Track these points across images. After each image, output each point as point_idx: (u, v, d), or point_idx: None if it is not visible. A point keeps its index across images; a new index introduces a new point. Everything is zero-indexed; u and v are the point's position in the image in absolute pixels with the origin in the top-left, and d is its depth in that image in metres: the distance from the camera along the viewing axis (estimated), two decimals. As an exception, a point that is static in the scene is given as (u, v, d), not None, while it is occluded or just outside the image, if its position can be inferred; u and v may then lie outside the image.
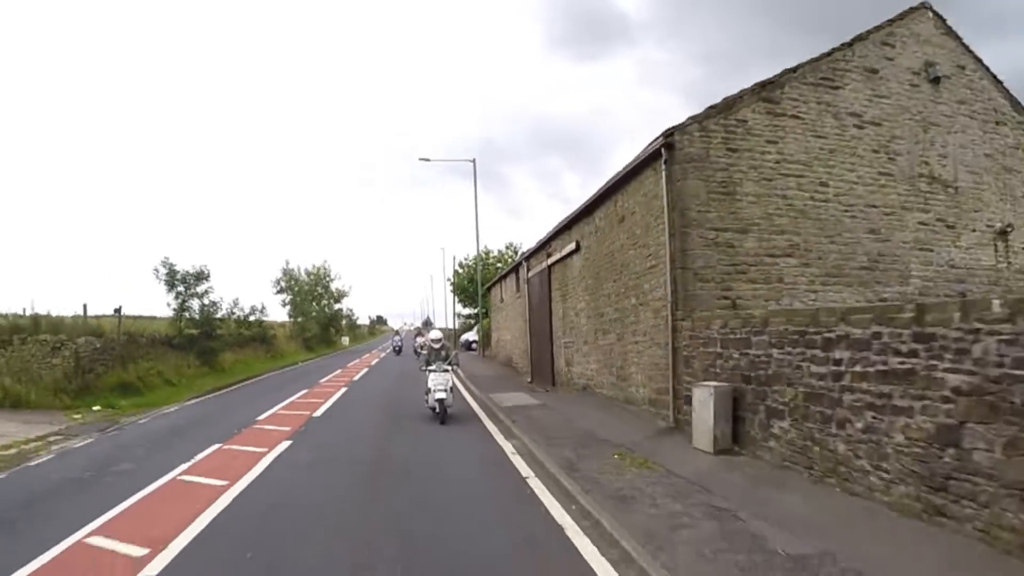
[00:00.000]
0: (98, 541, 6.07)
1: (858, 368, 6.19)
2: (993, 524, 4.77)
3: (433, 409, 13.37)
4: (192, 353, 24.33)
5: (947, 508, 5.16)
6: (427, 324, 50.52)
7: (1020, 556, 4.56)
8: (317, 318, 47.45)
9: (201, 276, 25.70)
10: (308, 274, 48.80)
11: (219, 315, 26.74)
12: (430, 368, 13.75)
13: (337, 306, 51.77)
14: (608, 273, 13.93)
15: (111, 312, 22.21)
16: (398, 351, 39.49)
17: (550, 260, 18.60)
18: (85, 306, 24.54)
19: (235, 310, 28.71)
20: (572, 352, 16.72)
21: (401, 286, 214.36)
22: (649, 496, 6.39)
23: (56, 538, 6.03)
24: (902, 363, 5.66)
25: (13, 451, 11.06)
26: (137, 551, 5.61)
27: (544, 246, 19.39)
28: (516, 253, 41.74)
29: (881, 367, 5.92)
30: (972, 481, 4.93)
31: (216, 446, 10.55)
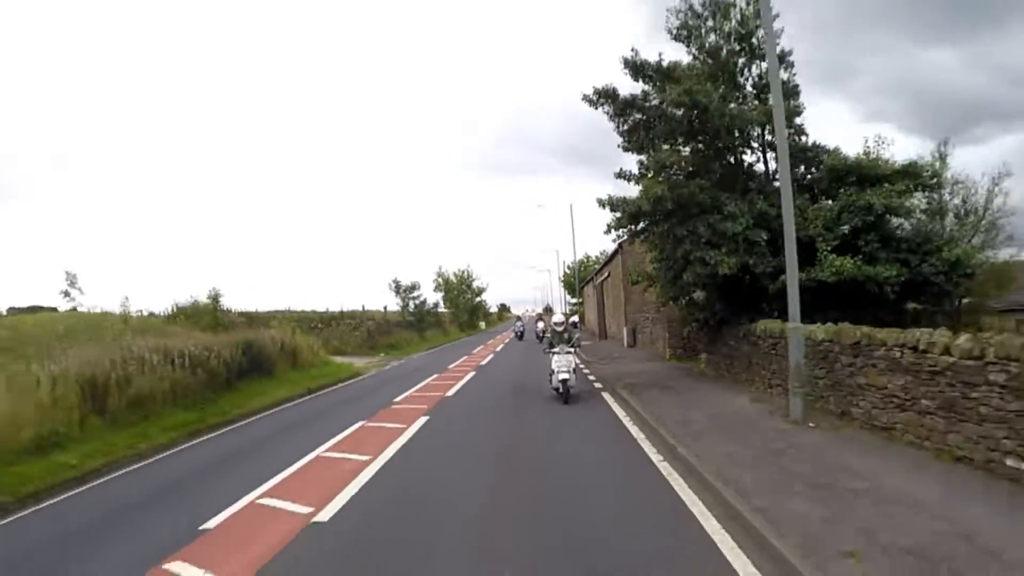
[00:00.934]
0: (400, 404, 14.94)
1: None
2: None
3: (556, 390, 13.84)
4: (414, 330, 44.28)
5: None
6: (548, 310, 56.66)
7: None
8: (464, 308, 65.08)
9: (414, 287, 47.19)
10: (455, 276, 65.61)
11: (425, 308, 50.24)
12: (553, 351, 14.19)
13: (477, 299, 69.13)
14: (612, 291, 32.20)
15: (360, 308, 46.76)
16: (520, 336, 42.46)
17: (598, 281, 39.31)
18: (363, 305, 49.91)
19: (426, 306, 51.26)
20: (610, 321, 35.09)
21: (523, 275, 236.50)
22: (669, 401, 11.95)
23: (390, 397, 15.85)
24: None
25: (361, 366, 28.03)
26: (420, 406, 14.44)
27: (599, 273, 39.52)
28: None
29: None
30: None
31: (435, 375, 22.15)
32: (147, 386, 13.40)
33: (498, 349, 33.97)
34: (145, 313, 28.01)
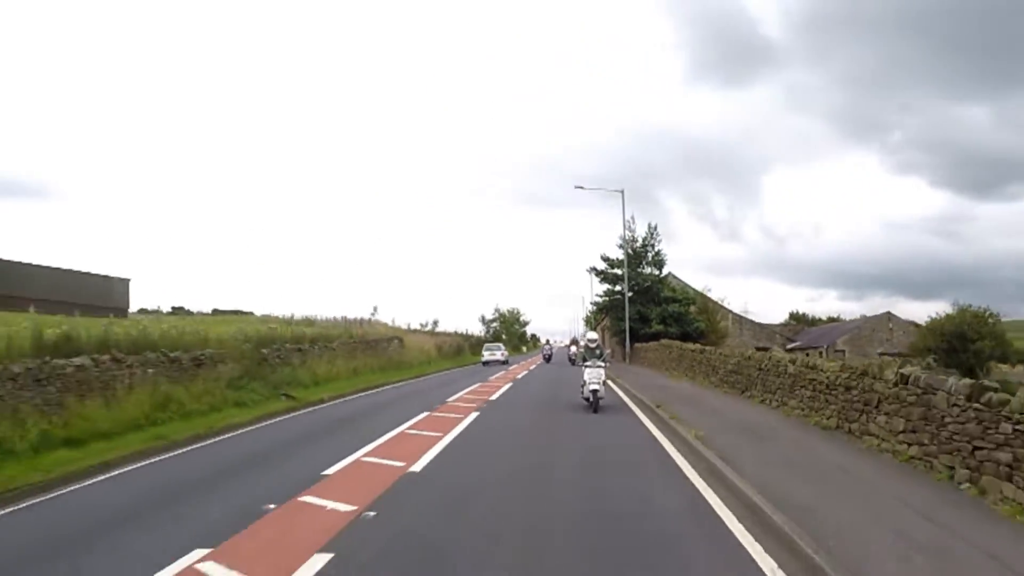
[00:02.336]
0: (477, 387, 21.01)
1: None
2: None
3: (587, 399, 14.07)
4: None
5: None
6: (574, 342, 68.08)
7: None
8: (514, 335, 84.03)
9: (515, 312, 68.86)
10: (508, 312, 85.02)
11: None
12: (586, 364, 14.45)
13: (522, 330, 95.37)
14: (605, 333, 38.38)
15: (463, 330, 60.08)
16: (548, 359, 44.37)
17: (599, 326, 44.59)
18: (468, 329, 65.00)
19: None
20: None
21: (552, 309, 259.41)
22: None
23: (458, 390, 19.87)
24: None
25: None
26: (499, 385, 22.93)
27: (598, 323, 46.37)
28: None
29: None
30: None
31: (499, 374, 28.69)
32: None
33: (532, 367, 37.62)
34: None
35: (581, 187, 38.59)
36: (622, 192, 36.93)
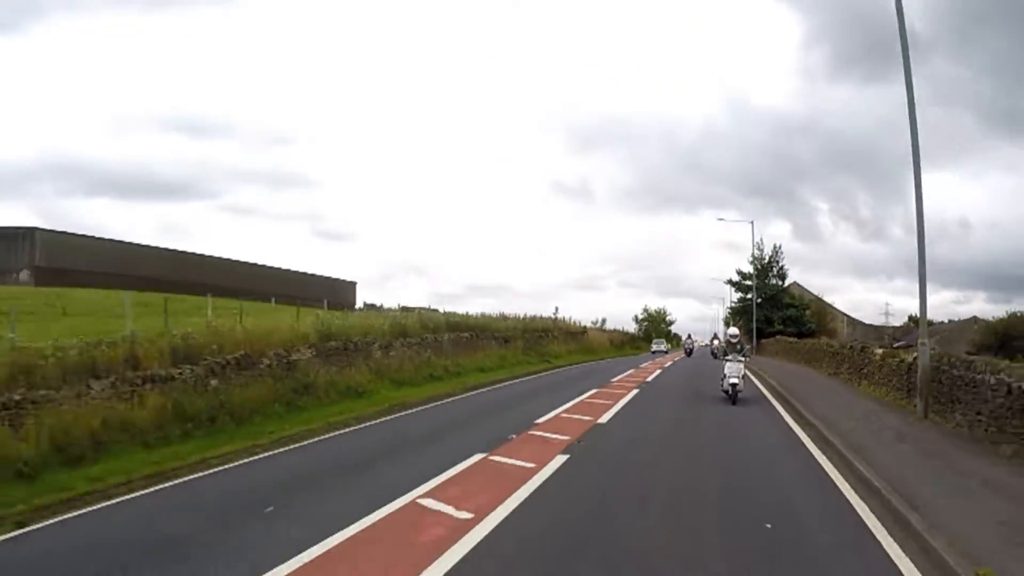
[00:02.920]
0: (634, 372, 24.77)
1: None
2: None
3: (726, 392, 14.22)
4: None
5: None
6: (715, 337, 61.27)
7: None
8: (660, 333, 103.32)
9: (662, 312, 76.82)
10: (656, 312, 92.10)
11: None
12: (727, 358, 14.78)
13: (667, 328, 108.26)
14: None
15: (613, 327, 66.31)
16: (689, 353, 45.75)
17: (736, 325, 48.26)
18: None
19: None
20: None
21: (692, 306, 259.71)
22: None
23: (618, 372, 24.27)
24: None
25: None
26: (653, 369, 26.63)
27: (735, 324, 48.67)
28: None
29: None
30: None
31: (649, 362, 32.69)
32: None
33: (676, 358, 40.57)
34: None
35: (722, 219, 49.91)
36: (752, 223, 47.00)
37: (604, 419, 11.90)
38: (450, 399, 15.74)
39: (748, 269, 49.40)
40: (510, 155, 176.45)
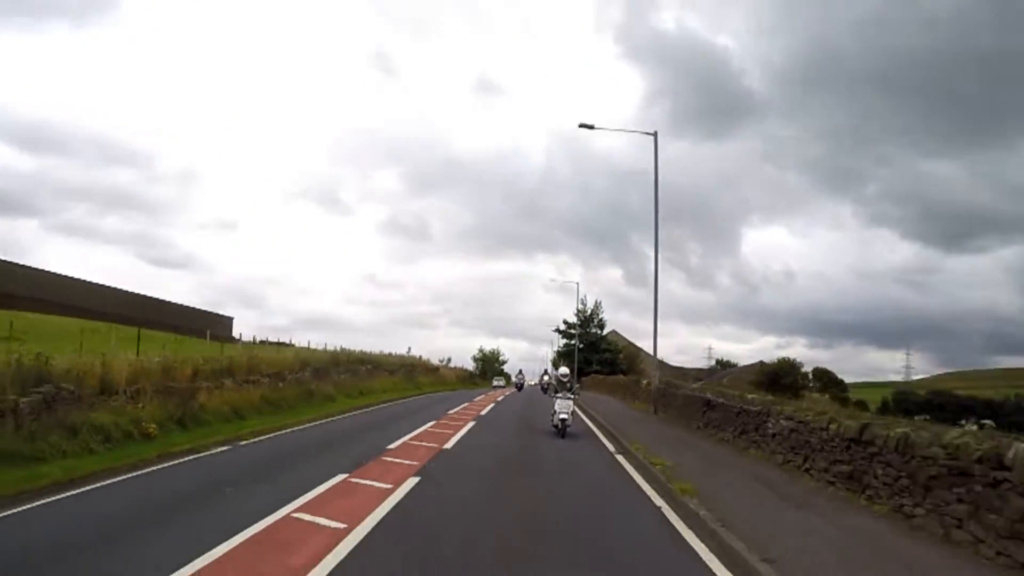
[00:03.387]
0: (472, 403, 27.85)
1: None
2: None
3: (556, 427, 15.04)
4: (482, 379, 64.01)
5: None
6: (546, 372, 61.59)
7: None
8: (494, 372, 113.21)
9: (496, 352, 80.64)
10: (490, 352, 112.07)
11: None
12: (557, 395, 15.74)
13: (500, 367, 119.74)
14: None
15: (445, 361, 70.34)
16: (519, 388, 48.22)
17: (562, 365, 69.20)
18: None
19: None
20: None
21: (523, 346, 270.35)
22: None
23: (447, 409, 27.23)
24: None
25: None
26: (487, 403, 27.75)
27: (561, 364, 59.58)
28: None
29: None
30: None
31: (482, 396, 34.38)
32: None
33: (508, 392, 42.84)
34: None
35: (554, 280, 59.43)
36: (577, 284, 55.47)
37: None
38: (358, 411, 21.80)
39: (574, 320, 61.52)
40: (347, 188, 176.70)
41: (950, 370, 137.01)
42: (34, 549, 5.80)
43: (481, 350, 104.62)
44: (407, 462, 10.64)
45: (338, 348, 34.25)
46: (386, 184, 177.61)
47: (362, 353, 35.44)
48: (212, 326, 46.12)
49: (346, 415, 20.13)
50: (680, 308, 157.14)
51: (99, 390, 11.96)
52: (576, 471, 11.07)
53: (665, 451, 12.07)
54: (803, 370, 57.31)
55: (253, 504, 7.28)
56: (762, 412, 11.68)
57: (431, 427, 16.19)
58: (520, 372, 56.61)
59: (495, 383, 58.92)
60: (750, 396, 13.56)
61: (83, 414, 10.78)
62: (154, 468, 9.90)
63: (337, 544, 5.90)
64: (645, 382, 25.96)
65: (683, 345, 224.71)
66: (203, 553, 5.49)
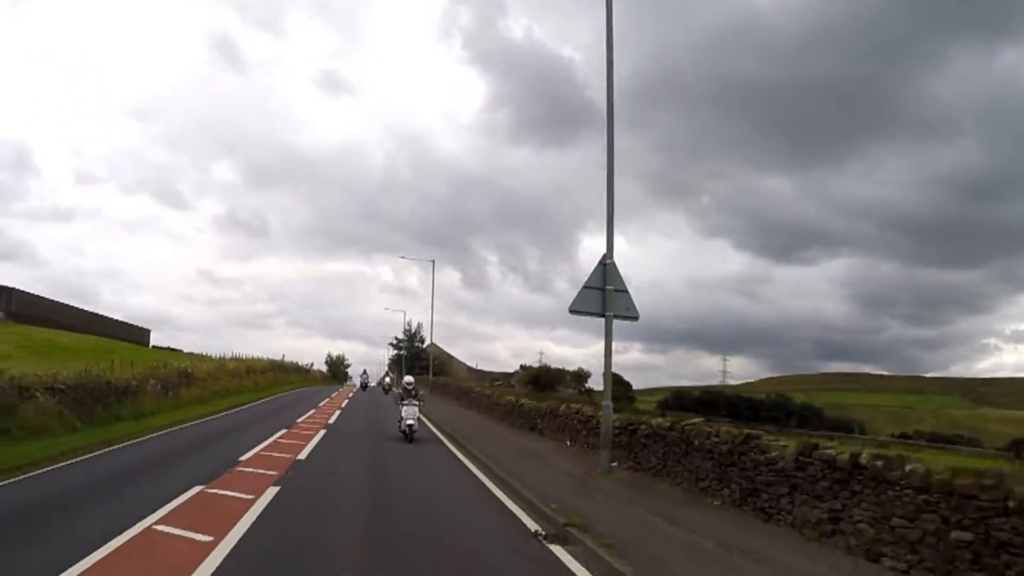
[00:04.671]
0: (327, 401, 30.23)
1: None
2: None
3: (403, 432, 15.49)
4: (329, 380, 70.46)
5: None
6: (387, 374, 64.14)
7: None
8: (339, 373, 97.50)
9: (342, 357, 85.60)
10: (337, 357, 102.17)
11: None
12: (403, 403, 16.05)
13: (345, 369, 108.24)
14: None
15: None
16: (364, 387, 49.62)
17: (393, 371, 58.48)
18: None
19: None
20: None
21: (362, 349, 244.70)
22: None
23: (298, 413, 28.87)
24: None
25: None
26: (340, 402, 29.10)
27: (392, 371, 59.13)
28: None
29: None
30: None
31: (336, 393, 37.82)
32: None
33: (351, 394, 41.88)
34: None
35: (388, 308, 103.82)
36: (404, 312, 69.19)
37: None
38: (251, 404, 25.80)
39: (402, 336, 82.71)
40: (182, 178, 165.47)
41: (778, 374, 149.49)
42: None
43: (330, 355, 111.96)
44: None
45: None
46: (224, 176, 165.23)
47: (270, 360, 51.05)
48: (132, 335, 54.16)
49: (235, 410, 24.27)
50: (518, 311, 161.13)
51: None
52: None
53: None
54: (572, 371, 71.17)
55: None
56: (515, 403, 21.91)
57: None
58: (364, 372, 59.82)
59: (356, 380, 65.08)
60: (508, 397, 24.37)
61: None
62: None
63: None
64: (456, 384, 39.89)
65: (521, 348, 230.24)
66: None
